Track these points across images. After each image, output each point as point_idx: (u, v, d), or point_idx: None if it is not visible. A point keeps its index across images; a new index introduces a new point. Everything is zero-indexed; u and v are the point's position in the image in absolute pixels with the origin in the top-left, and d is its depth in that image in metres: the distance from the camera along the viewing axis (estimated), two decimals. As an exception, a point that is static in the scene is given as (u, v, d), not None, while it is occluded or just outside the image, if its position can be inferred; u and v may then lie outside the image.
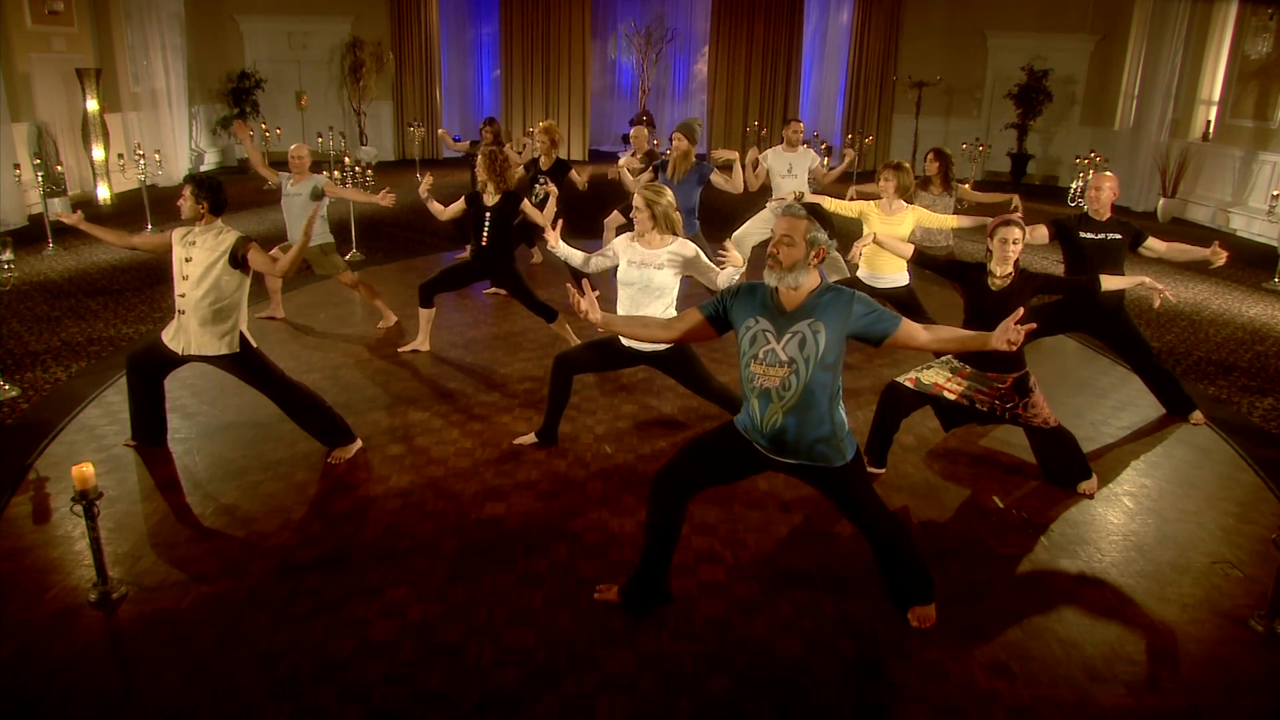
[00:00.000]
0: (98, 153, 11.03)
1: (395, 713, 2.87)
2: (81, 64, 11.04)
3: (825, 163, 8.13)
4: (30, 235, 9.17)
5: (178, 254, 4.29)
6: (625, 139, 12.84)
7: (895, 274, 5.62)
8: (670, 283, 4.42)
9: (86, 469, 3.29)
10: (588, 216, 8.47)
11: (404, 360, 6.10)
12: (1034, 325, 3.12)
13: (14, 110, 9.94)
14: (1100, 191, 5.14)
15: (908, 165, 5.78)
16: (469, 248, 6.28)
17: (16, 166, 9.06)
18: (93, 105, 10.94)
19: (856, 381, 5.79)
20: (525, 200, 5.99)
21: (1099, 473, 4.52)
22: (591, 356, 4.68)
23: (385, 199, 6.22)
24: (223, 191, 4.34)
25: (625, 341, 4.51)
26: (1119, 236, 5.11)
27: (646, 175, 6.81)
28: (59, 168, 10.04)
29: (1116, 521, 4.21)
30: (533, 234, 8.06)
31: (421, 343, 6.24)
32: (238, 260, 4.24)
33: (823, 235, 3.00)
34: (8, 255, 5.74)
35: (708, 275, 4.46)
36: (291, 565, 3.66)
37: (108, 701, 2.89)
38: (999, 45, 15.44)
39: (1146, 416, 5.42)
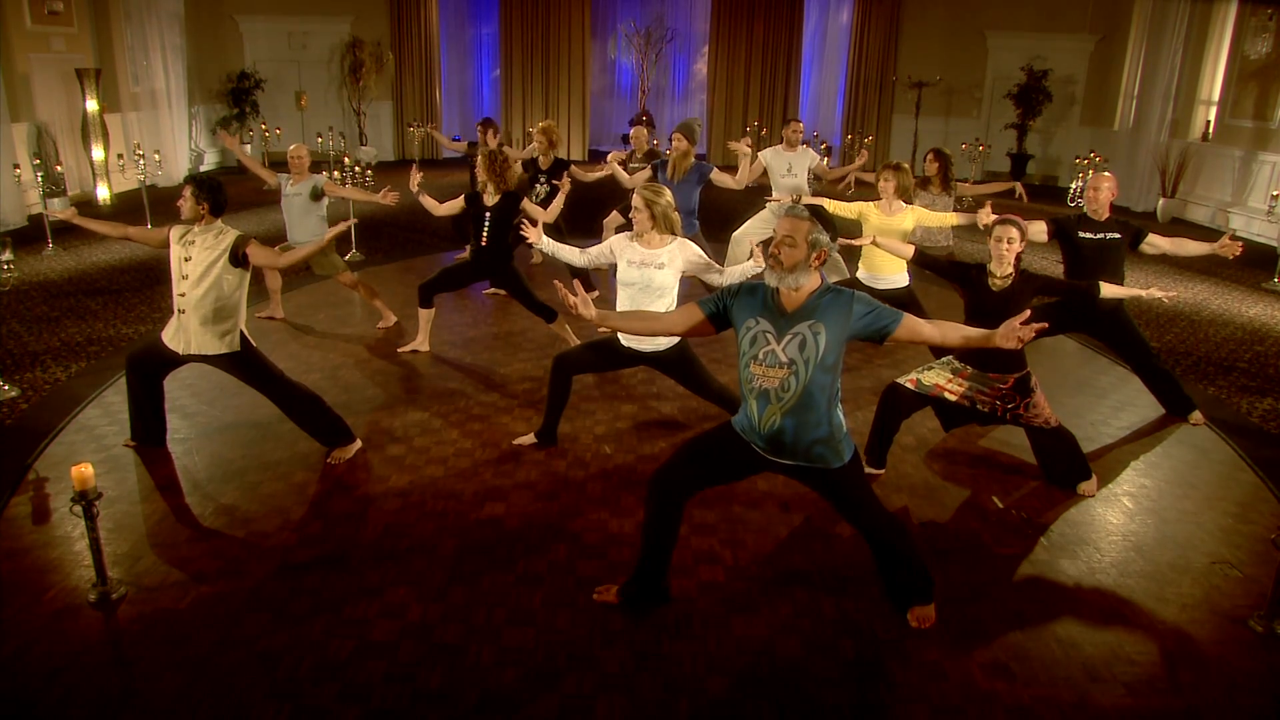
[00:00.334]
0: (97, 153, 11.02)
1: (395, 713, 2.87)
2: (81, 64, 11.04)
3: (825, 163, 8.12)
4: (30, 235, 9.17)
5: (176, 253, 4.29)
6: (625, 139, 12.83)
7: (895, 275, 5.62)
8: (670, 282, 4.42)
9: (86, 469, 3.29)
10: (588, 217, 8.47)
11: (403, 360, 6.10)
12: (1045, 325, 3.08)
13: (14, 110, 9.94)
14: (1099, 192, 5.15)
15: (907, 166, 5.78)
16: (468, 248, 6.28)
17: (16, 167, 9.07)
18: (92, 105, 10.93)
19: (856, 382, 5.78)
20: (525, 200, 5.99)
21: (1099, 473, 4.52)
22: (591, 357, 4.68)
23: (387, 198, 6.23)
24: (223, 192, 4.35)
25: (625, 342, 4.51)
26: (1118, 236, 5.11)
27: (646, 174, 6.79)
28: (59, 168, 10.04)
29: (1116, 522, 4.21)
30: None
31: (421, 343, 6.25)
32: (238, 258, 4.25)
33: (824, 237, 3.02)
34: (7, 255, 5.75)
35: (709, 274, 4.46)
36: (291, 565, 3.66)
37: (107, 702, 2.89)
38: (999, 45, 15.43)
39: (1146, 417, 5.42)
